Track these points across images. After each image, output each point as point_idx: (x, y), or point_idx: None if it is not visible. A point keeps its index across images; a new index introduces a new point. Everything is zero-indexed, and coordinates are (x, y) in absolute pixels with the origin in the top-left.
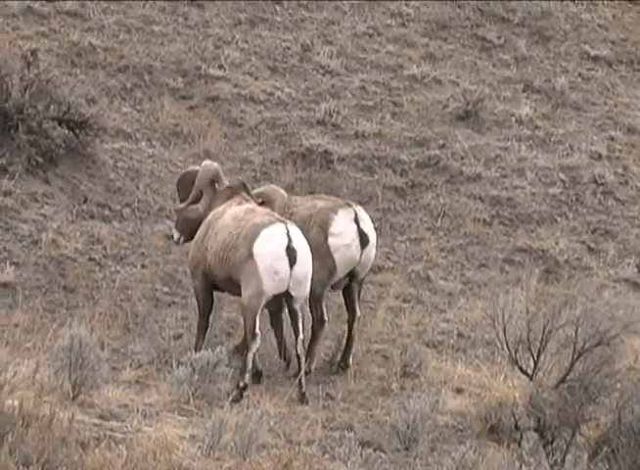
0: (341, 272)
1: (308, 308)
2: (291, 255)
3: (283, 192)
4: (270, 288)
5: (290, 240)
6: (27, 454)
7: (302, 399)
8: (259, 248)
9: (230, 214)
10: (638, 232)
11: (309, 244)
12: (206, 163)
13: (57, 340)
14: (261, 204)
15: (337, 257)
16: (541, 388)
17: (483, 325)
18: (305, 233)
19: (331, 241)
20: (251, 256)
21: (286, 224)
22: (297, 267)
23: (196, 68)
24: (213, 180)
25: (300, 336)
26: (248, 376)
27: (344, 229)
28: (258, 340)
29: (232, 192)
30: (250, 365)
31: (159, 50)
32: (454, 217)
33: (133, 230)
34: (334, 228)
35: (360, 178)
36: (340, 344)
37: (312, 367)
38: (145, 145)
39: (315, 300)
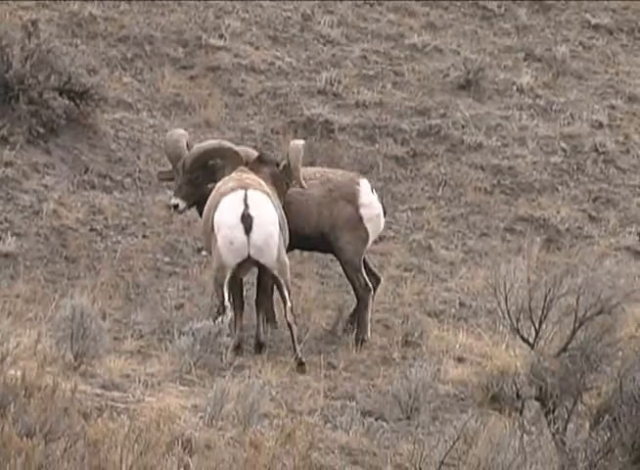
0: (371, 241)
1: (348, 280)
2: (246, 222)
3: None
4: (229, 259)
5: (246, 207)
6: (30, 425)
7: (301, 367)
8: (216, 218)
9: (217, 186)
10: (639, 200)
11: (335, 218)
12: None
13: (58, 310)
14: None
15: (369, 226)
16: (543, 356)
17: (485, 294)
18: (327, 207)
19: (363, 212)
20: (212, 227)
21: (246, 190)
22: (253, 234)
23: (196, 37)
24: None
25: (288, 304)
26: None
27: (372, 199)
28: (229, 312)
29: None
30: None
31: (159, 20)
32: (455, 187)
33: (134, 200)
34: (363, 199)
35: (361, 148)
36: (341, 313)
37: (368, 336)
38: (146, 115)
39: (355, 269)
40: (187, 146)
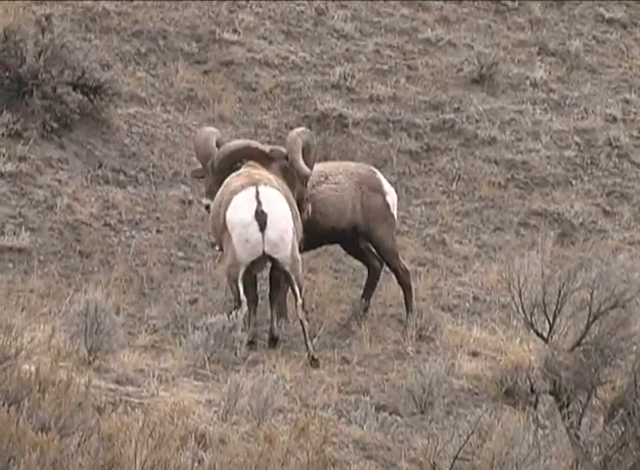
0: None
1: (390, 268)
2: (260, 219)
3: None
4: (244, 256)
5: (259, 203)
6: (44, 420)
7: (314, 363)
8: (230, 217)
9: (225, 182)
10: None
11: (367, 209)
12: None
13: (72, 305)
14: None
15: (394, 212)
16: (557, 351)
17: (499, 288)
18: (359, 200)
19: (389, 199)
20: (225, 225)
21: (257, 187)
22: (268, 231)
23: (210, 32)
24: None
25: (299, 301)
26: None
27: (391, 187)
28: (244, 306)
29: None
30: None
31: (173, 14)
32: (469, 181)
33: (148, 195)
34: (386, 187)
35: (375, 142)
36: (354, 307)
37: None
38: (159, 110)
39: (395, 256)
40: (217, 144)
